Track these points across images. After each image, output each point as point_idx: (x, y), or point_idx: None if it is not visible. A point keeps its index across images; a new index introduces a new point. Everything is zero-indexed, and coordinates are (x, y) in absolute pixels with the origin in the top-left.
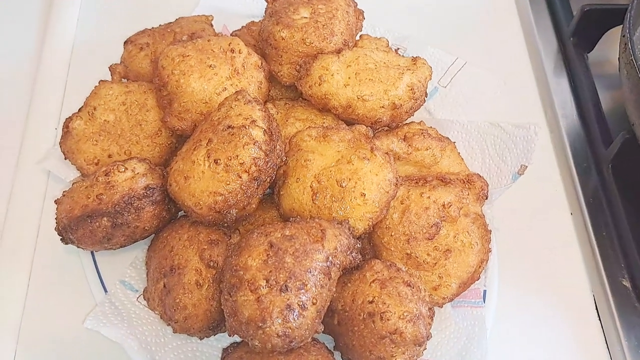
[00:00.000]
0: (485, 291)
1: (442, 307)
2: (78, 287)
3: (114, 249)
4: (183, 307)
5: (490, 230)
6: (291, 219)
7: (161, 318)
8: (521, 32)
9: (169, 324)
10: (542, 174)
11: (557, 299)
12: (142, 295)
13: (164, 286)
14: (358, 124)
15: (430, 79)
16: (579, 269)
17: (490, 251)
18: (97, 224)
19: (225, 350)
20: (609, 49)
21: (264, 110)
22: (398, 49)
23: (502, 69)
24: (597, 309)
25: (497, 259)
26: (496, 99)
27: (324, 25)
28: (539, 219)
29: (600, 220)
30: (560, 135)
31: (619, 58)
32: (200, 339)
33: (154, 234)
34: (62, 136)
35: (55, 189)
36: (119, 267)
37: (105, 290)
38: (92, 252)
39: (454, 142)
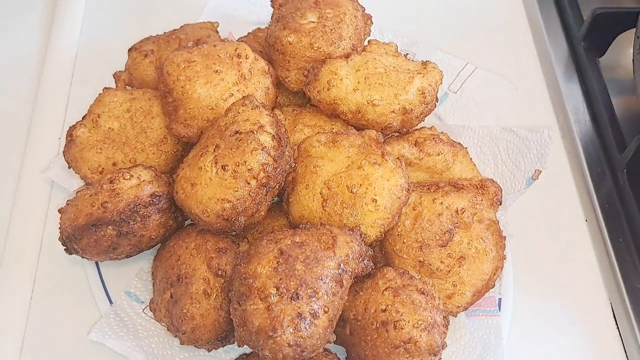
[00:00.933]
0: (500, 299)
1: (456, 316)
2: (82, 298)
3: (120, 259)
4: (191, 318)
5: (505, 237)
6: (301, 225)
7: (168, 329)
8: (531, 37)
9: (176, 336)
10: (556, 180)
11: (573, 307)
12: (148, 307)
13: (171, 296)
14: (367, 129)
15: (441, 83)
16: (595, 276)
17: (505, 258)
18: (102, 232)
19: None
20: (620, 53)
21: (271, 115)
22: (407, 54)
23: (512, 74)
24: (614, 316)
25: (512, 266)
26: (507, 104)
27: (331, 30)
28: (553, 225)
29: (615, 225)
30: (573, 141)
31: (633, 60)
32: (209, 350)
33: (160, 244)
34: (65, 145)
35: (58, 198)
36: (124, 278)
37: (111, 302)
38: (96, 263)
39: (466, 148)
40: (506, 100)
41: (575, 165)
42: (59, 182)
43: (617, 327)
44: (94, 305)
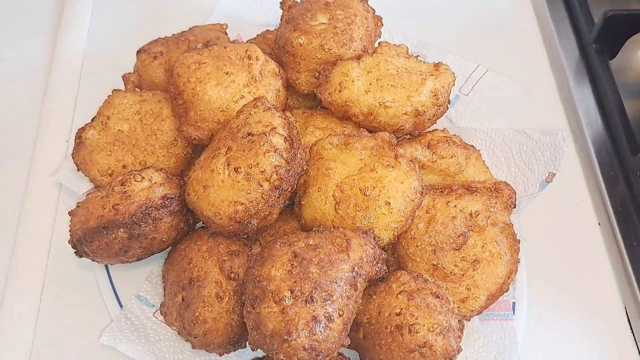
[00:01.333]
0: (514, 303)
1: (469, 320)
2: (92, 302)
3: (130, 262)
4: (203, 321)
5: (519, 240)
6: (314, 228)
7: (179, 333)
8: (541, 40)
9: (187, 340)
10: (568, 184)
11: (587, 311)
12: (158, 310)
13: (183, 300)
14: (379, 132)
15: (454, 84)
16: (609, 280)
17: (519, 262)
18: (113, 235)
19: None
20: (631, 55)
21: (283, 117)
22: (418, 56)
23: (522, 77)
24: (629, 320)
25: (526, 269)
26: (519, 107)
27: (342, 31)
28: (566, 229)
29: (629, 229)
30: (586, 144)
31: None
32: (220, 354)
33: (170, 247)
34: (74, 147)
35: (67, 201)
36: (134, 281)
37: (121, 305)
38: (106, 266)
39: (479, 150)
40: (517, 103)
41: (587, 168)
42: (68, 185)
43: (632, 331)
44: (103, 309)
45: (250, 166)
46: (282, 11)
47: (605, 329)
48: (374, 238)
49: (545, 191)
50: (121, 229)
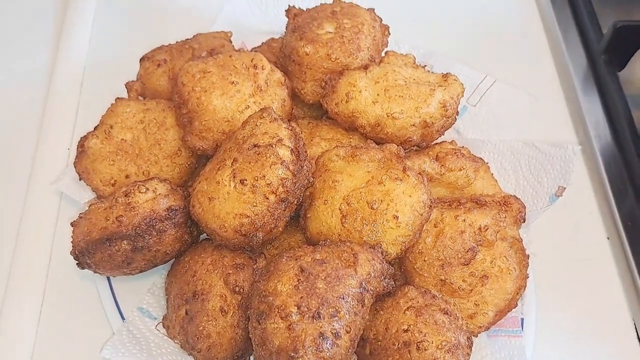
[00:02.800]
0: (522, 319)
1: (477, 336)
2: (94, 314)
3: (133, 274)
4: (207, 336)
5: (528, 255)
6: (320, 242)
7: (182, 347)
8: (549, 51)
9: (190, 354)
10: (576, 197)
11: (596, 328)
12: (161, 323)
13: (186, 313)
14: (386, 143)
15: (462, 95)
16: (618, 295)
17: (527, 277)
18: (117, 247)
19: None
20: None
21: (290, 128)
22: (425, 65)
23: (530, 88)
24: (638, 336)
25: (534, 285)
26: (527, 119)
27: (349, 40)
28: (574, 243)
29: (638, 243)
30: (594, 156)
31: None
32: None
33: (174, 259)
34: (76, 156)
35: (68, 211)
36: (136, 293)
37: (123, 318)
38: (108, 278)
39: (487, 163)
40: (525, 115)
41: (596, 181)
42: (69, 194)
43: None
44: (105, 322)
45: (256, 178)
46: (287, 19)
47: (614, 345)
48: (382, 253)
49: (553, 204)
50: (125, 241)
